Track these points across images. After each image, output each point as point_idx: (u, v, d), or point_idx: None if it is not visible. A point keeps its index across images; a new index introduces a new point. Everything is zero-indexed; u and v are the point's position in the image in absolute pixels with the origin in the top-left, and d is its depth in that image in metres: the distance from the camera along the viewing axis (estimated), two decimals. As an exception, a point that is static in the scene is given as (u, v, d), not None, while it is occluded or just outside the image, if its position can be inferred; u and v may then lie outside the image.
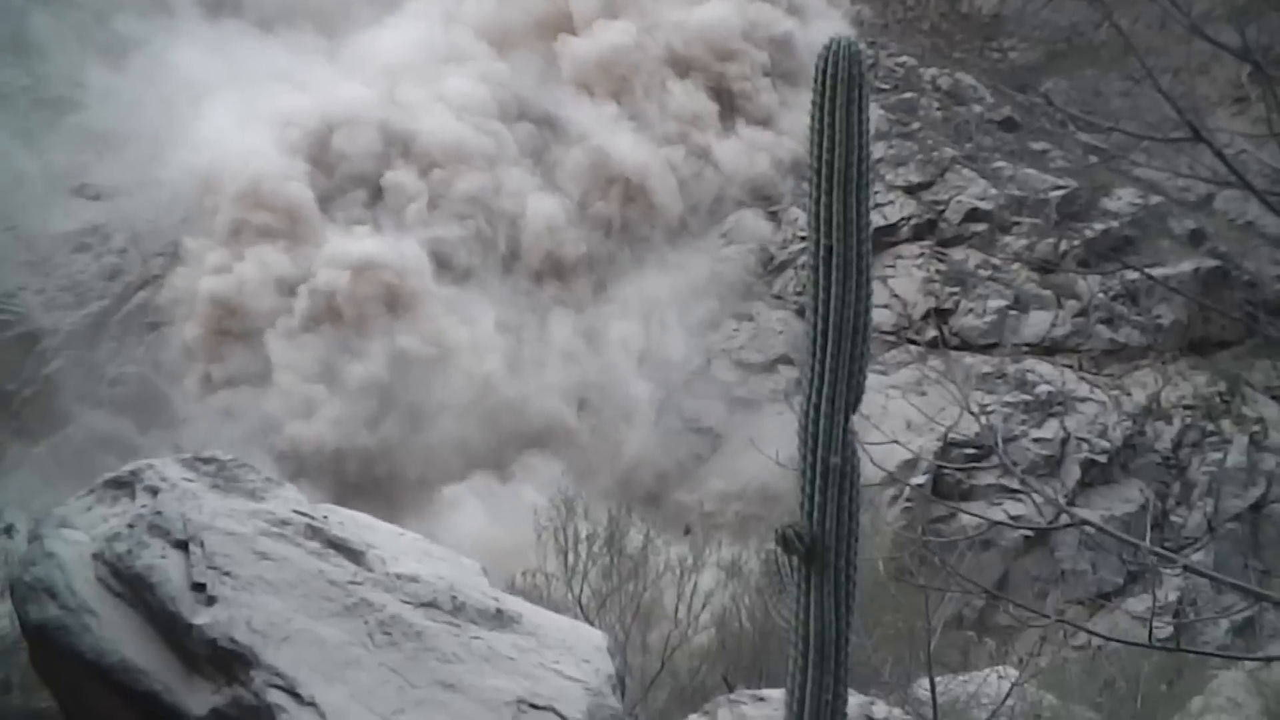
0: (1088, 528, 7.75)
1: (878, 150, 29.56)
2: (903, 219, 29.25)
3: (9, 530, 11.76)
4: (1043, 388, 26.28)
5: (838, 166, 5.53)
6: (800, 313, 27.57)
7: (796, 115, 30.21)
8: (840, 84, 5.58)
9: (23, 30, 31.51)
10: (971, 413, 9.09)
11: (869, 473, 5.95)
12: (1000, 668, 11.82)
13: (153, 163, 29.07)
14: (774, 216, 30.71)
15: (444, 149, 30.65)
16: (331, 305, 27.41)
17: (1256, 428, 26.71)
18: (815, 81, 5.61)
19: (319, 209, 29.20)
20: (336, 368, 26.72)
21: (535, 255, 30.03)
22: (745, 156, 31.51)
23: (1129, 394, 26.91)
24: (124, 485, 8.34)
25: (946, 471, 23.02)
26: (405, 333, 27.29)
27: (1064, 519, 17.90)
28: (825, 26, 34.22)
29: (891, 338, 27.26)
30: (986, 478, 23.42)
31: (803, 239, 27.07)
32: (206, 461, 8.53)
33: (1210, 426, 26.67)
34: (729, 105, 32.70)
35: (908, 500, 22.08)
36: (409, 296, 27.96)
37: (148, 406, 26.39)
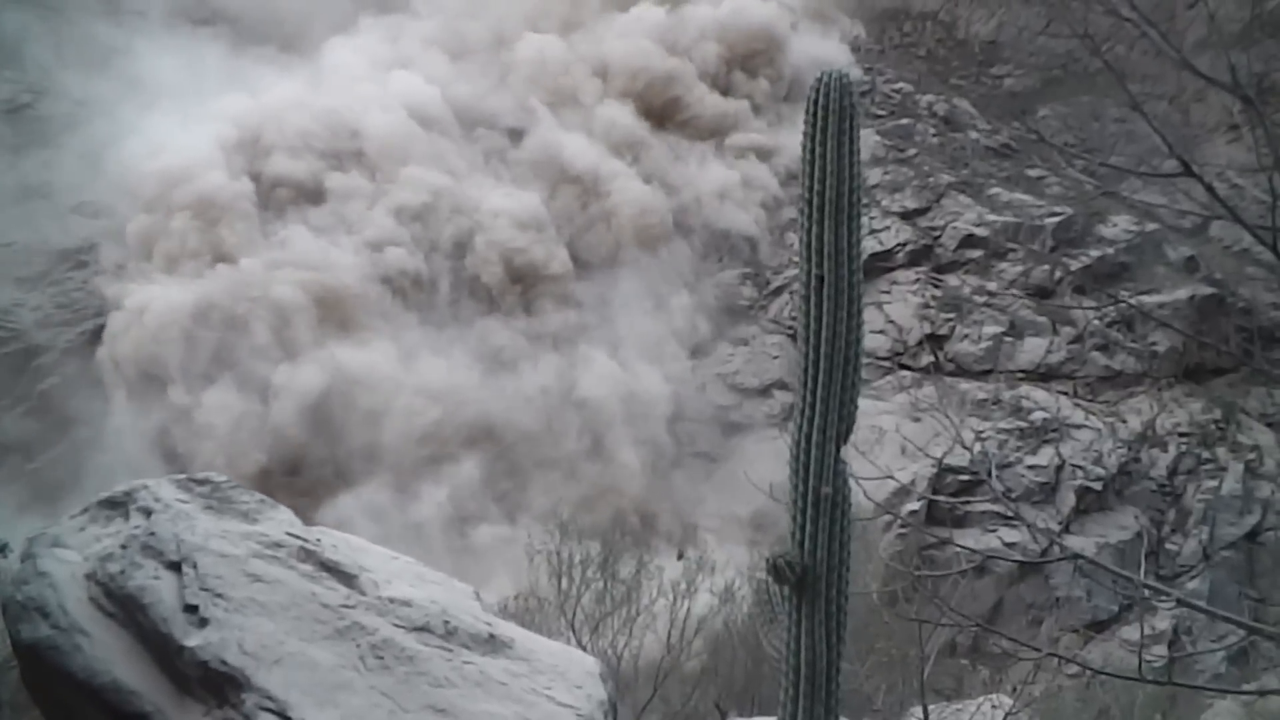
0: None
1: (874, 176, 29.67)
2: (899, 244, 29.33)
3: (3, 549, 11.73)
4: (1038, 414, 26.30)
5: (829, 196, 5.57)
6: (795, 337, 27.69)
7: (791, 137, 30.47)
8: (832, 115, 5.62)
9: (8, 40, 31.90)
10: (965, 446, 9.14)
11: (861, 503, 5.97)
12: (994, 696, 11.79)
13: (126, 174, 29.18)
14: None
15: (388, 146, 30.43)
16: (273, 315, 26.96)
17: (1252, 455, 26.71)
18: (807, 113, 5.65)
19: (259, 217, 28.89)
20: (269, 377, 26.38)
21: (493, 263, 29.34)
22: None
23: (1124, 421, 26.93)
24: (118, 505, 8.32)
25: (941, 497, 23.00)
26: (342, 343, 26.91)
27: (1056, 550, 17.89)
28: (822, 46, 34.51)
29: (886, 363, 27.34)
30: (982, 504, 23.40)
31: (796, 263, 27.25)
32: (200, 483, 8.51)
33: (1206, 454, 26.67)
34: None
35: (902, 526, 22.11)
36: (349, 305, 27.66)
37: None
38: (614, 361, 27.80)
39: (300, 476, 25.38)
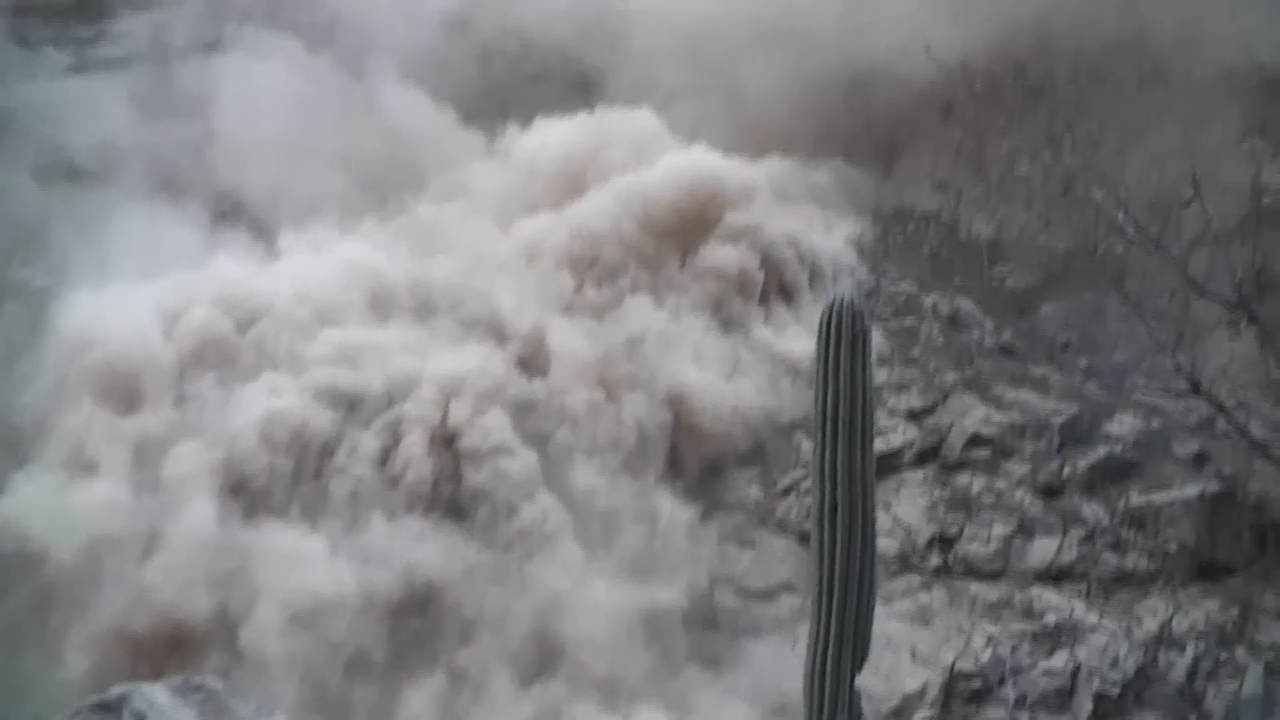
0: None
1: (880, 375, 29.82)
2: (905, 444, 29.28)
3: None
4: (1051, 616, 25.86)
5: (842, 420, 5.60)
6: (803, 539, 27.37)
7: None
8: (844, 339, 5.68)
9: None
10: (977, 653, 8.92)
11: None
12: None
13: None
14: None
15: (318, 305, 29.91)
16: None
17: (1271, 654, 26.19)
18: (819, 336, 5.71)
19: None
20: None
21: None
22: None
23: (1140, 622, 26.44)
24: (110, 709, 8.17)
25: (955, 706, 22.52)
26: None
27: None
28: (828, 245, 34.95)
29: (895, 565, 27.00)
30: (997, 711, 22.88)
31: (807, 464, 27.14)
32: (195, 689, 8.37)
33: (1224, 654, 26.14)
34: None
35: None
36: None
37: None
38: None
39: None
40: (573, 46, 44.98)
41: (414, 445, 27.59)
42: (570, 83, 42.30)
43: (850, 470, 5.47)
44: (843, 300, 5.65)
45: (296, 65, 39.64)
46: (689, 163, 34.56)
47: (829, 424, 5.55)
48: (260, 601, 24.54)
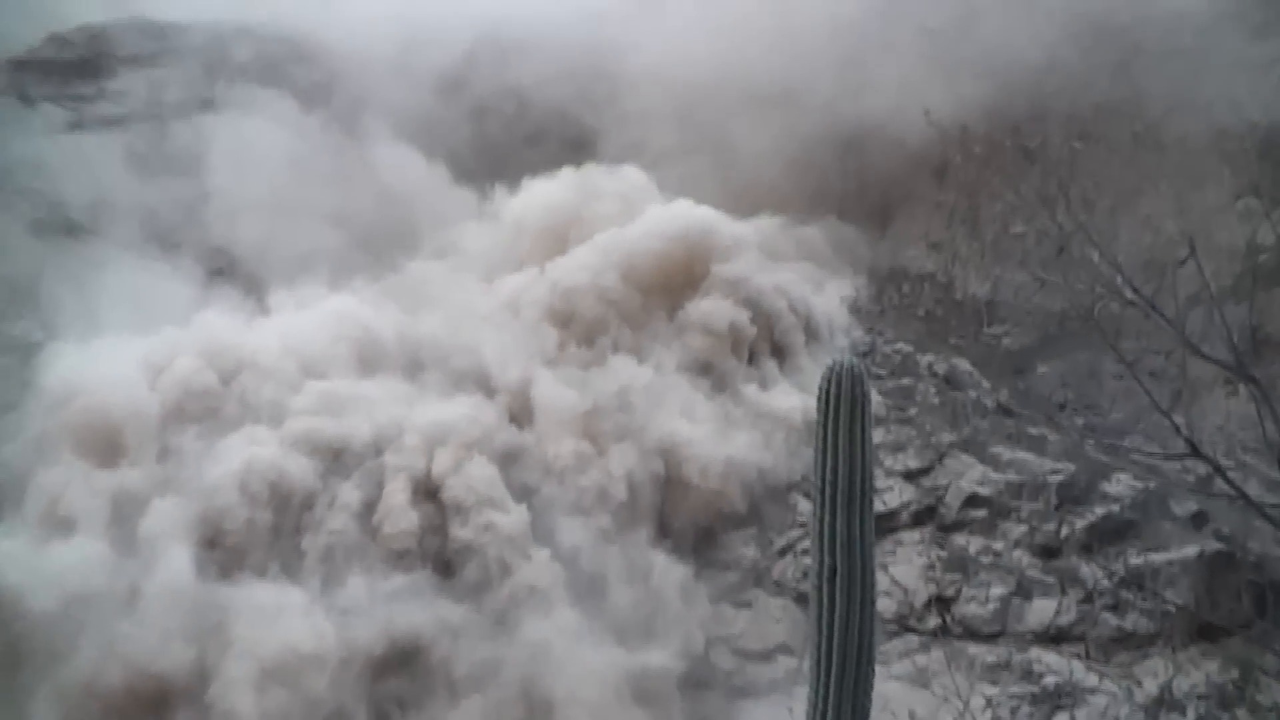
0: None
1: (876, 435, 29.67)
2: (902, 504, 29.11)
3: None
4: (1050, 678, 25.59)
5: (842, 486, 5.48)
6: (799, 599, 27.12)
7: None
8: (844, 404, 5.59)
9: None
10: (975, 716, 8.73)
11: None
12: None
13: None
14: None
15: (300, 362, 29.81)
16: None
17: (1272, 716, 25.88)
18: (819, 400, 5.62)
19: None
20: None
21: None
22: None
23: (1139, 683, 26.13)
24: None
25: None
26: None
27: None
28: (823, 305, 34.89)
29: (893, 626, 26.75)
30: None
31: (803, 524, 27.00)
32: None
33: (1225, 716, 25.84)
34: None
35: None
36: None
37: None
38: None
39: None
40: (569, 107, 45.32)
41: (397, 495, 27.26)
42: (566, 142, 42.54)
43: (850, 536, 5.36)
44: (843, 365, 5.55)
45: (291, 123, 40.01)
46: (675, 214, 34.72)
47: (829, 489, 5.44)
48: (235, 657, 24.23)
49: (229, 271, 35.64)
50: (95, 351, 28.95)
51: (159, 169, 38.26)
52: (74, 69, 43.08)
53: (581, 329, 32.12)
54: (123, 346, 29.54)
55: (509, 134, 44.65)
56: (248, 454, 27.29)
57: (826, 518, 5.40)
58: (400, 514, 26.89)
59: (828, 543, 5.38)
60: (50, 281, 32.08)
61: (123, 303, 30.44)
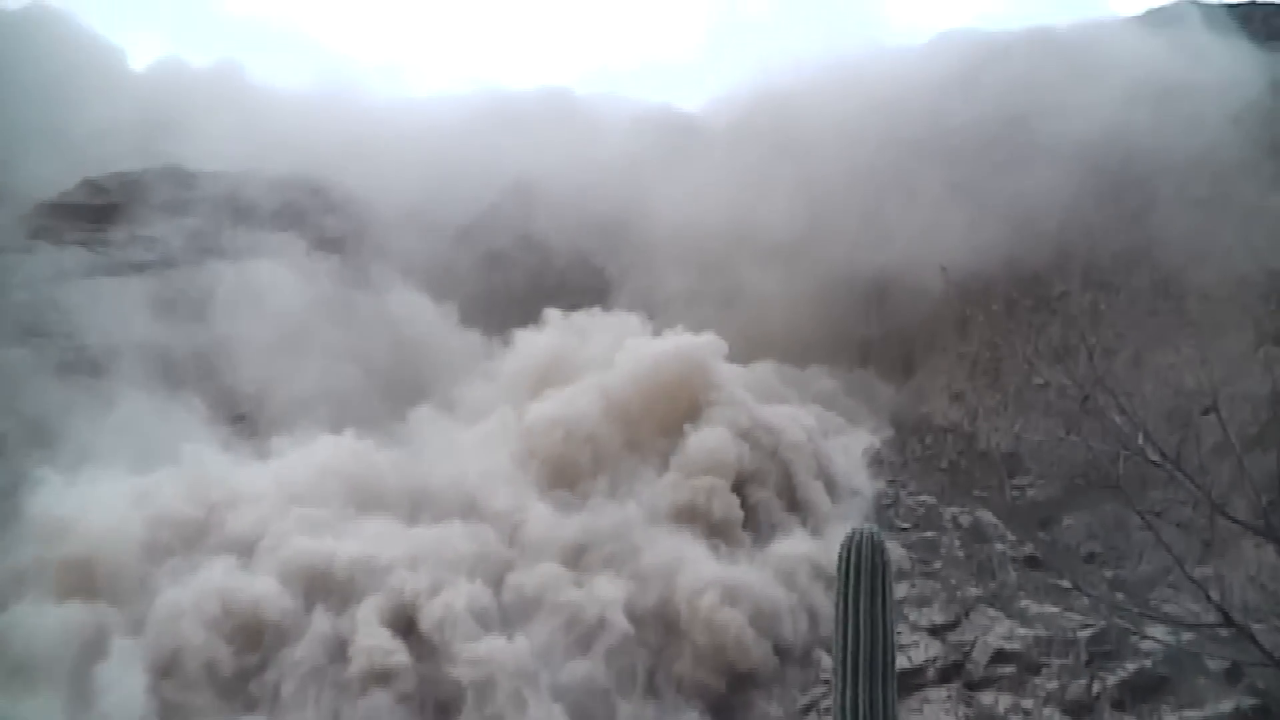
0: None
1: (900, 590, 29.17)
2: (928, 660, 28.39)
3: None
4: (1086, 844, 24.76)
5: (863, 658, 5.30)
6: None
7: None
8: (864, 573, 5.43)
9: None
10: None
11: None
12: None
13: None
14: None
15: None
16: None
17: None
18: (839, 568, 5.47)
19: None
20: None
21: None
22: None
23: (1177, 845, 25.31)
24: None
25: None
26: None
27: None
28: (843, 459, 34.68)
29: (921, 789, 25.99)
30: None
31: (826, 681, 26.39)
32: None
33: None
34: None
35: None
36: None
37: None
38: None
39: None
40: (592, 257, 45.97)
41: (370, 624, 26.71)
42: (587, 291, 43.01)
43: (872, 710, 5.12)
44: (863, 533, 5.42)
45: (307, 271, 40.75)
46: (667, 349, 34.76)
47: (849, 660, 5.27)
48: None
49: (233, 410, 36.03)
50: (86, 484, 28.99)
51: (179, 313, 38.93)
52: (105, 214, 44.01)
53: (571, 465, 32.28)
54: (118, 480, 29.63)
55: (531, 282, 45.27)
56: (218, 584, 26.98)
57: (848, 691, 5.23)
58: (381, 650, 26.25)
59: (849, 715, 5.16)
60: (67, 420, 32.30)
61: (126, 439, 30.68)
